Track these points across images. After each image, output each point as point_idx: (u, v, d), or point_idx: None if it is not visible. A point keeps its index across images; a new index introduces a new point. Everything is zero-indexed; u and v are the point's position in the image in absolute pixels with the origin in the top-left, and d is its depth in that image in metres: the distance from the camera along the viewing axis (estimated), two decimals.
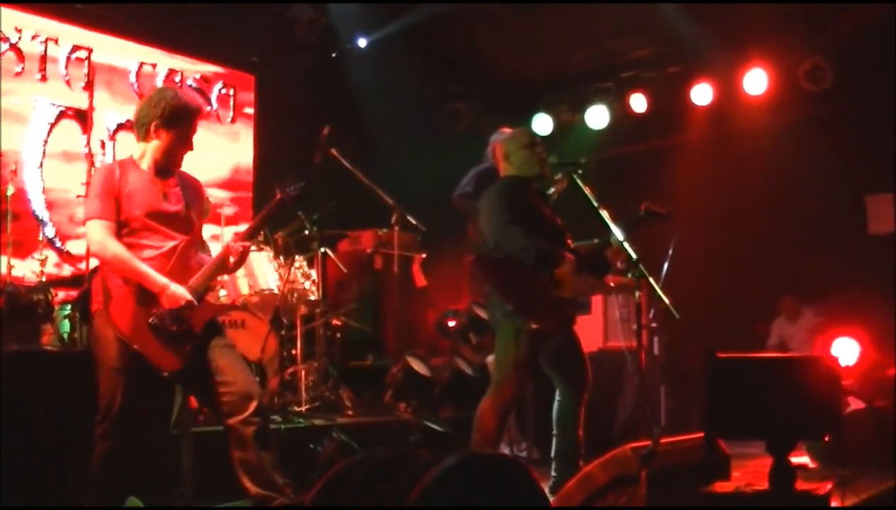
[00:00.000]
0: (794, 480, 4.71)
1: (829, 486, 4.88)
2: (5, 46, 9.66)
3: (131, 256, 5.40)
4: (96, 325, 5.49)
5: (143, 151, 5.67)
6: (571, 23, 11.36)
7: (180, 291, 5.44)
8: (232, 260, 5.71)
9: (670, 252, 7.38)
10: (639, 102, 12.38)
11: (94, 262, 8.37)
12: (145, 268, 5.41)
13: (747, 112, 11.82)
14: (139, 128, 5.65)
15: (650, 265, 6.47)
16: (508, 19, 11.43)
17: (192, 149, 5.78)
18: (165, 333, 5.40)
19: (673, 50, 12.01)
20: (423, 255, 10.69)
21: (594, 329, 9.97)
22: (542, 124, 12.81)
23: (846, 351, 10.24)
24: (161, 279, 5.41)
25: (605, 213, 6.43)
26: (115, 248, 5.38)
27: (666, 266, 7.23)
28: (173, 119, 5.58)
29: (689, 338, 10.31)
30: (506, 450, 8.87)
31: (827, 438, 5.92)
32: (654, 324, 9.91)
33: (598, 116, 12.65)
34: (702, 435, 4.95)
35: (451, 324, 10.39)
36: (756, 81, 11.55)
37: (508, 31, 11.69)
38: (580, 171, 6.63)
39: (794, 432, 4.73)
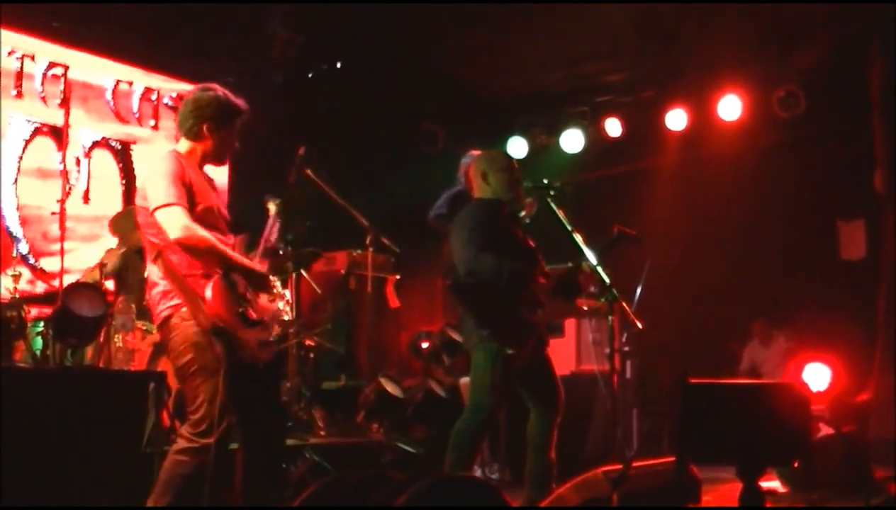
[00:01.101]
0: (763, 505, 4.74)
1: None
2: None
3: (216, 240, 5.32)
4: (183, 332, 5.26)
5: (191, 148, 5.58)
6: (546, 45, 11.41)
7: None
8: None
9: (644, 276, 7.42)
10: (613, 127, 12.45)
11: (67, 280, 8.42)
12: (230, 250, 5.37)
13: (721, 137, 11.90)
14: (189, 126, 5.56)
15: (623, 289, 6.51)
16: (484, 41, 11.47)
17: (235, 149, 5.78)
18: (252, 323, 5.31)
19: (648, 75, 12.09)
20: (397, 277, 10.72)
21: (567, 352, 10.01)
22: (517, 147, 12.86)
23: (817, 376, 10.30)
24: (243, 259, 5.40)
25: (578, 237, 6.47)
26: (203, 231, 5.23)
27: (639, 290, 7.27)
28: (224, 119, 5.56)
29: (661, 360, 10.36)
30: (478, 471, 8.87)
31: (797, 464, 5.96)
32: (626, 348, 9.93)
33: (572, 140, 12.71)
34: (673, 459, 4.98)
35: (425, 345, 10.39)
36: (730, 107, 11.63)
37: (483, 52, 11.73)
38: (553, 194, 6.68)
39: (764, 457, 4.77)
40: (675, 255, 11.23)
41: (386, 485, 2.96)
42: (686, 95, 12.00)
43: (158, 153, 5.81)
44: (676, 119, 12.06)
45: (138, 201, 5.49)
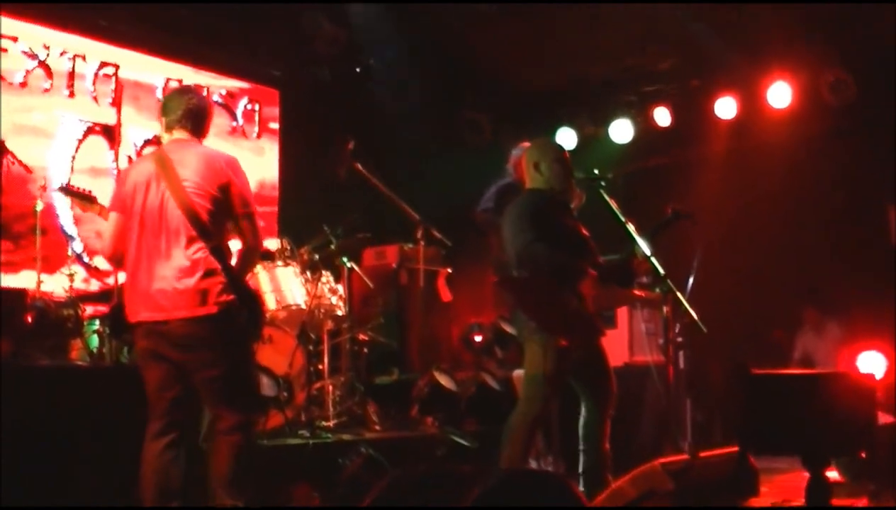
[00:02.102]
0: (830, 496, 4.70)
1: (864, 502, 4.89)
2: (34, 63, 9.73)
3: None
4: None
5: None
6: (591, 34, 11.34)
7: None
8: None
9: (695, 265, 7.39)
10: (662, 116, 12.37)
11: (122, 278, 8.50)
12: None
13: (771, 125, 11.78)
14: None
15: (674, 279, 6.48)
16: (528, 31, 11.43)
17: None
18: None
19: (696, 63, 12.00)
20: (449, 270, 10.71)
21: (620, 343, 9.96)
22: (566, 138, 12.79)
23: (872, 364, 10.19)
24: None
25: (630, 226, 6.44)
26: None
27: (691, 280, 7.24)
28: None
29: (713, 351, 10.29)
30: (532, 464, 8.87)
31: (863, 455, 5.90)
32: (679, 339, 9.89)
33: (621, 130, 12.64)
34: (734, 449, 4.95)
35: (478, 338, 10.39)
36: (779, 94, 11.53)
37: (528, 42, 11.68)
38: (604, 185, 6.66)
39: (829, 448, 4.73)
40: (725, 243, 11.16)
41: (451, 478, 2.96)
42: (735, 83, 11.90)
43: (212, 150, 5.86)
44: (726, 107, 11.96)
45: None
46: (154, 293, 5.51)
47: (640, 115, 12.58)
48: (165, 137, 5.85)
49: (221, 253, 5.60)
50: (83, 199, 6.26)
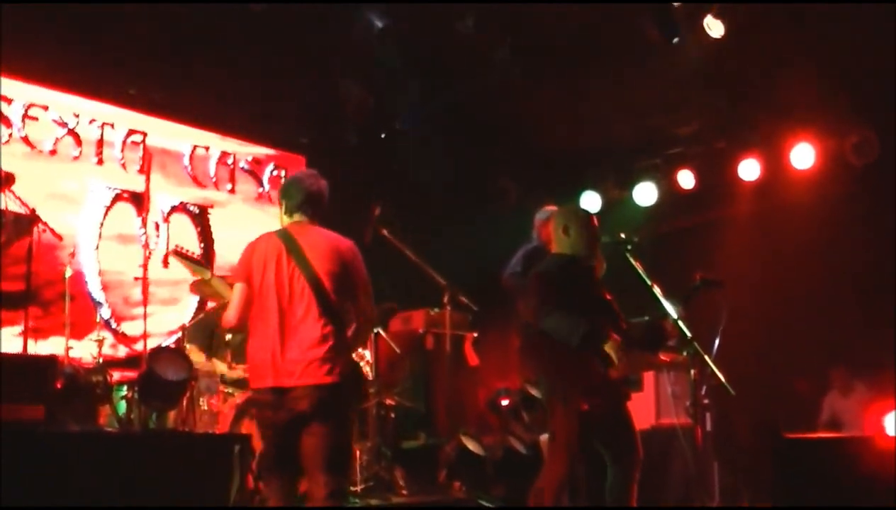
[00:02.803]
0: None
1: None
2: (63, 131, 9.87)
3: None
4: None
5: None
6: (614, 99, 11.40)
7: None
8: None
9: (720, 327, 7.37)
10: (686, 179, 12.40)
11: (151, 343, 8.59)
12: None
13: (794, 186, 11.79)
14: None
15: (700, 341, 6.48)
16: (552, 98, 11.49)
17: None
18: None
19: (719, 125, 12.05)
20: (475, 334, 10.72)
21: (646, 406, 9.91)
22: (591, 201, 12.84)
23: None
24: None
25: (657, 290, 6.45)
26: None
27: (717, 342, 7.23)
28: None
29: (740, 412, 10.24)
30: None
31: None
32: (706, 400, 9.85)
33: (645, 193, 12.67)
34: None
35: (504, 402, 10.36)
36: (803, 156, 11.54)
37: (552, 109, 11.74)
38: (630, 248, 6.68)
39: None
40: (752, 304, 11.12)
41: None
42: (758, 145, 11.93)
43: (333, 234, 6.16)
44: (749, 169, 11.98)
45: None
46: (284, 361, 5.77)
47: (664, 178, 12.61)
48: (285, 219, 6.12)
49: (344, 328, 5.94)
50: (193, 263, 6.74)
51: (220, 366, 8.58)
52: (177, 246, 7.04)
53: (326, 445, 5.77)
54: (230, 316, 6.00)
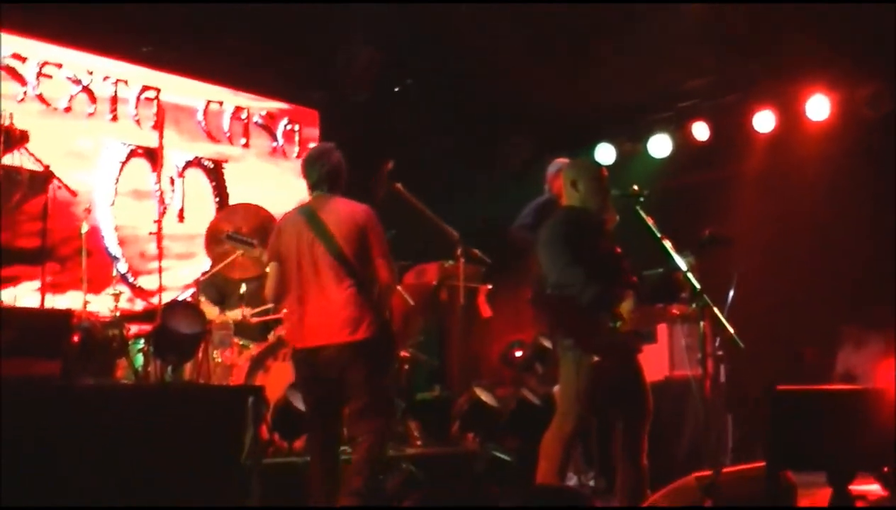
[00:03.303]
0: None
1: None
2: (77, 89, 9.91)
3: None
4: None
5: None
6: (627, 56, 11.35)
7: None
8: None
9: (734, 282, 7.39)
10: (701, 131, 12.35)
11: (165, 297, 8.67)
12: None
13: (810, 138, 11.74)
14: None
15: (713, 294, 6.49)
16: (564, 58, 11.46)
17: None
18: None
19: (732, 78, 11.99)
20: (489, 286, 10.74)
21: (660, 358, 9.93)
22: (605, 154, 12.80)
23: None
24: None
25: (667, 244, 6.45)
26: None
27: (731, 295, 7.24)
28: None
29: (750, 366, 10.25)
30: (573, 479, 8.90)
31: (886, 470, 5.88)
32: (720, 353, 9.85)
33: (660, 145, 12.63)
34: (762, 465, 4.96)
35: (518, 354, 10.41)
36: (818, 107, 11.48)
37: (567, 65, 11.71)
38: (641, 201, 6.67)
39: (852, 463, 4.74)
40: (765, 258, 11.12)
41: (481, 498, 3.01)
42: (773, 97, 11.88)
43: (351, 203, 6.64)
44: (764, 120, 11.93)
45: None
46: (315, 324, 6.37)
47: (678, 130, 12.57)
48: (308, 194, 6.70)
49: (367, 289, 6.42)
50: (247, 245, 7.10)
51: (234, 319, 8.67)
52: (233, 231, 7.42)
53: (362, 396, 6.34)
54: (268, 292, 6.66)
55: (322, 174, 6.61)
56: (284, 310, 6.92)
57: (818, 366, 11.25)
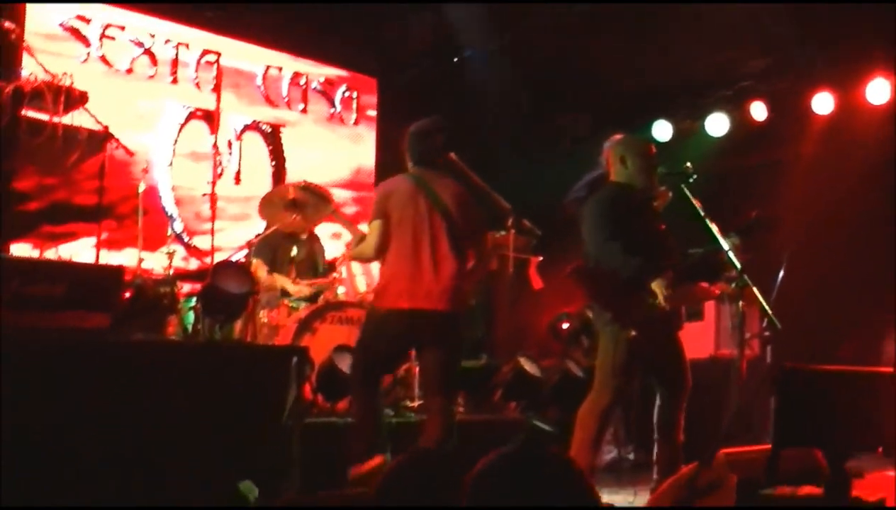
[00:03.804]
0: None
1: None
2: (139, 51, 10.08)
3: None
4: None
5: None
6: (689, 33, 11.31)
7: None
8: None
9: (784, 263, 7.38)
10: (759, 110, 12.29)
11: (220, 258, 8.81)
12: None
13: (869, 121, 11.64)
14: None
15: (761, 275, 6.51)
16: (623, 30, 11.45)
17: None
18: None
19: (794, 59, 11.91)
20: (540, 258, 10.79)
21: (706, 336, 9.97)
22: (662, 131, 12.78)
23: None
24: None
25: (713, 225, 6.46)
26: None
27: (780, 276, 7.24)
28: None
29: (800, 351, 10.22)
30: (613, 452, 8.97)
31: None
32: (766, 333, 9.85)
33: (717, 124, 12.58)
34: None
35: (564, 326, 10.46)
36: (879, 91, 11.39)
37: (624, 41, 11.69)
38: (689, 181, 6.68)
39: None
40: (818, 239, 11.07)
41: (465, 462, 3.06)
42: (833, 79, 11.79)
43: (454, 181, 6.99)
44: (823, 102, 11.85)
45: None
46: (417, 287, 6.57)
47: (736, 109, 12.51)
48: (411, 166, 6.96)
49: (465, 264, 6.73)
50: (318, 196, 7.64)
51: (283, 281, 8.80)
52: (304, 181, 7.89)
53: (446, 369, 6.68)
54: (369, 248, 6.76)
55: (420, 152, 6.91)
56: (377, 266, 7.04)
57: (869, 350, 11.20)
